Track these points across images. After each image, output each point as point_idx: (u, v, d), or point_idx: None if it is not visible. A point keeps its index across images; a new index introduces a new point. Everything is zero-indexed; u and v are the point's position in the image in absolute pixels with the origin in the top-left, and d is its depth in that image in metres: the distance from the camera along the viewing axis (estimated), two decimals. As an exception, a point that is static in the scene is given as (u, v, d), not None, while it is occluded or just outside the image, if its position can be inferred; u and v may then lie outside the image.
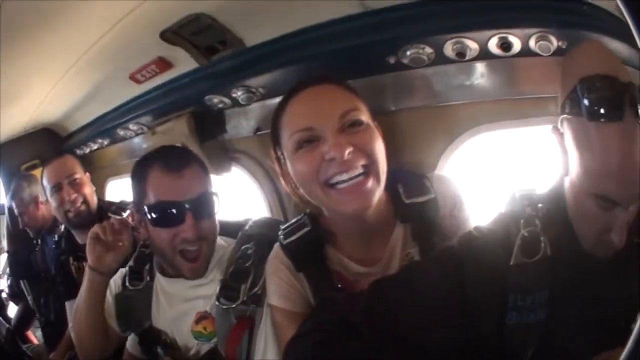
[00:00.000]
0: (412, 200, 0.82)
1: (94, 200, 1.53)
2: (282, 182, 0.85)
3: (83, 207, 1.49)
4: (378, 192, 0.76)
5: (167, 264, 1.00)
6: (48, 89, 1.56)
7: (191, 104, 1.32)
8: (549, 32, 0.75)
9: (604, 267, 0.61)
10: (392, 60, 0.97)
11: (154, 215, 0.92)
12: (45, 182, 1.54)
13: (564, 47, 0.75)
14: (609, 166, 0.55)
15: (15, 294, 2.01)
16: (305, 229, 0.86)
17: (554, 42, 0.76)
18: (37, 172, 1.78)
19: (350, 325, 0.66)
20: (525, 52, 0.81)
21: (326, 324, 0.69)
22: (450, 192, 0.85)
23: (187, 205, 0.90)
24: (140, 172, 0.96)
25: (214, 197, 0.96)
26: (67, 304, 1.60)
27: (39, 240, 1.80)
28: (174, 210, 0.90)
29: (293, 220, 0.90)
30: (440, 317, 0.63)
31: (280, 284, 0.87)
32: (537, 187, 0.69)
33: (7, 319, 2.04)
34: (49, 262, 1.72)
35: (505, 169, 1.06)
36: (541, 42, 0.77)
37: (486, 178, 1.08)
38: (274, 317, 0.89)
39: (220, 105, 1.28)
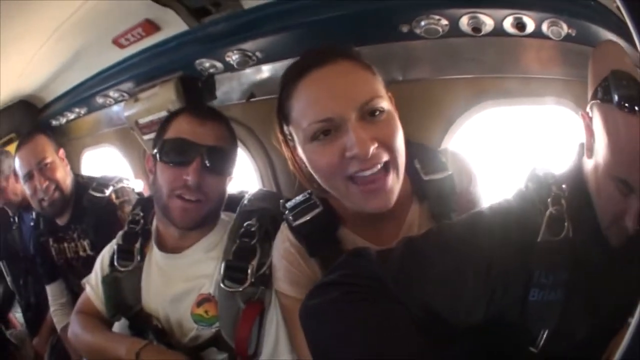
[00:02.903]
0: (430, 177, 0.82)
1: (67, 183, 1.48)
2: (290, 163, 0.83)
3: (57, 195, 1.45)
4: (398, 187, 0.74)
5: (162, 211, 0.97)
6: (28, 60, 1.49)
7: (180, 68, 1.27)
8: (561, 19, 0.79)
9: (616, 254, 0.64)
10: (404, 29, 0.96)
11: (166, 150, 0.93)
12: (17, 168, 1.49)
13: (573, 34, 0.79)
14: (632, 153, 0.59)
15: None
16: (317, 210, 0.83)
17: (565, 29, 0.80)
18: (13, 147, 1.71)
19: (380, 282, 0.64)
20: (537, 34, 0.84)
21: (353, 278, 0.66)
22: (465, 168, 0.86)
23: (199, 149, 0.91)
24: (170, 115, 1.01)
25: (231, 163, 0.97)
26: (48, 288, 1.61)
27: (16, 218, 1.76)
28: (186, 149, 0.91)
29: (300, 199, 0.87)
30: (469, 285, 0.64)
31: (290, 269, 0.84)
32: (552, 165, 0.73)
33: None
34: (26, 241, 1.70)
35: (510, 146, 1.10)
36: (553, 27, 0.81)
37: (490, 154, 1.11)
38: (282, 305, 0.87)
39: (212, 70, 1.25)
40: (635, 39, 0.49)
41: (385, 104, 0.73)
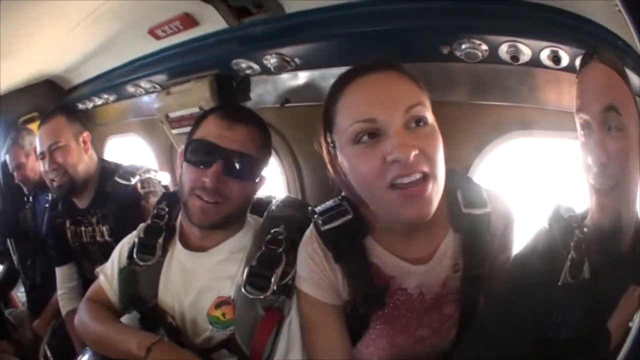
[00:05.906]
0: (469, 210, 0.85)
1: (78, 169, 1.49)
2: (330, 170, 0.86)
3: (65, 179, 1.47)
4: (437, 199, 0.76)
5: (183, 208, 0.99)
6: (58, 39, 1.52)
7: (215, 66, 1.31)
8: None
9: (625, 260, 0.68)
10: (445, 50, 1.00)
11: (191, 150, 0.95)
12: (36, 146, 1.53)
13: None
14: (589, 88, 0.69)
15: (0, 253, 2.02)
16: (347, 217, 0.86)
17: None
18: (35, 125, 1.79)
19: None
20: (571, 68, 0.89)
21: None
22: (504, 210, 0.88)
23: (222, 153, 0.92)
24: (202, 115, 1.02)
25: (256, 169, 0.97)
26: (58, 270, 1.63)
27: (31, 198, 1.80)
28: (208, 152, 0.93)
29: (330, 204, 0.90)
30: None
31: (315, 270, 0.87)
32: (575, 204, 0.77)
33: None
34: (39, 222, 1.73)
35: (537, 177, 1.14)
36: (585, 62, 0.86)
37: (516, 184, 1.15)
38: (301, 303, 0.90)
39: (248, 71, 1.28)
40: (635, 38, 0.51)
41: (429, 116, 0.76)
